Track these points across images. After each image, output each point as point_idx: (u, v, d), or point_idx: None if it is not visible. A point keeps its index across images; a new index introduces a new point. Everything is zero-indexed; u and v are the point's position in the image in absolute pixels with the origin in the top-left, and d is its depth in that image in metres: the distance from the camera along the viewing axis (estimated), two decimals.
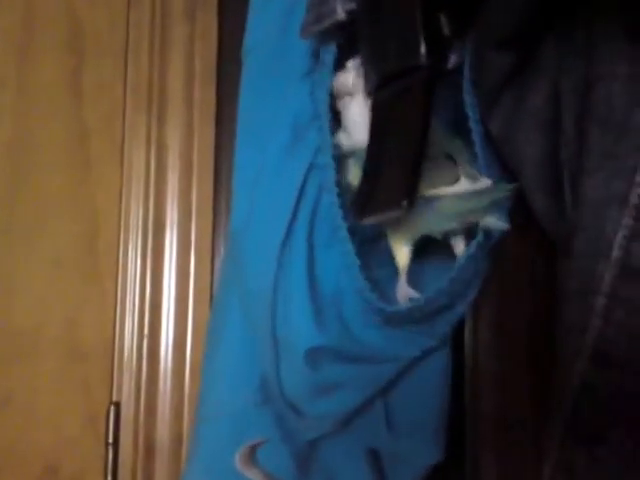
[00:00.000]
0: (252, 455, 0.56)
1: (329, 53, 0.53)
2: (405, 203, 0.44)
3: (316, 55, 0.56)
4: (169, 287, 0.87)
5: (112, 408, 0.84)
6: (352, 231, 0.53)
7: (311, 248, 0.55)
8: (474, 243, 0.54)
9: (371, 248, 0.55)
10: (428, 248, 0.57)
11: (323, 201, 0.55)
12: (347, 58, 0.55)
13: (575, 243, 0.41)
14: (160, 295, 0.87)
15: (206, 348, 0.61)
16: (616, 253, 0.39)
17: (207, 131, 0.88)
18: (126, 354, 0.85)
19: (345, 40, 0.53)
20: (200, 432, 0.60)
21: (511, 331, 0.60)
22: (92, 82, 0.89)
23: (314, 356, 0.52)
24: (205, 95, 0.89)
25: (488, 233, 0.56)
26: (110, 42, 0.89)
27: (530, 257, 0.61)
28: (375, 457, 0.60)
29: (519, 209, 0.58)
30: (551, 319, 0.53)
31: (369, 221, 0.48)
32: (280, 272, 0.54)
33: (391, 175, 0.46)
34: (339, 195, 0.53)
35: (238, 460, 0.55)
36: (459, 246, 0.56)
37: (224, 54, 0.90)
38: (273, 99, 0.59)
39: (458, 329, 0.62)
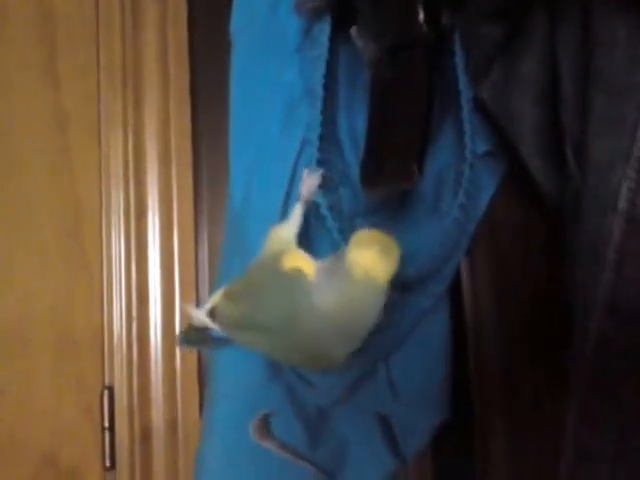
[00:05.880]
0: (266, 426, 0.57)
1: (322, 32, 0.54)
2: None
3: (307, 32, 0.57)
4: (154, 269, 0.87)
5: (106, 392, 0.85)
6: (332, 207, 0.55)
7: (306, 223, 0.56)
8: (457, 206, 0.56)
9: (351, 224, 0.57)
10: (418, 209, 0.59)
11: None
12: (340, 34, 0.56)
13: (582, 203, 0.43)
14: (146, 277, 0.87)
15: None
16: (622, 206, 0.41)
17: (183, 112, 0.88)
18: (116, 338, 0.85)
19: (338, 17, 0.54)
20: (215, 409, 0.61)
21: (511, 290, 0.62)
22: (67, 67, 0.87)
23: None
24: (179, 76, 0.88)
25: (473, 195, 0.58)
26: (82, 26, 0.88)
27: (525, 217, 0.62)
28: (385, 423, 0.62)
29: (512, 174, 0.60)
30: (551, 275, 0.55)
31: (379, 193, 0.49)
32: None
33: (397, 145, 0.47)
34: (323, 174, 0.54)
35: (253, 431, 0.57)
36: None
37: (196, 35, 0.90)
38: (265, 79, 0.59)
39: (457, 292, 0.65)
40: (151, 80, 0.88)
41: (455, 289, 0.64)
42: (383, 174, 0.47)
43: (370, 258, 0.44)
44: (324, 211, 0.54)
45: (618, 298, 0.41)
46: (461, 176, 0.57)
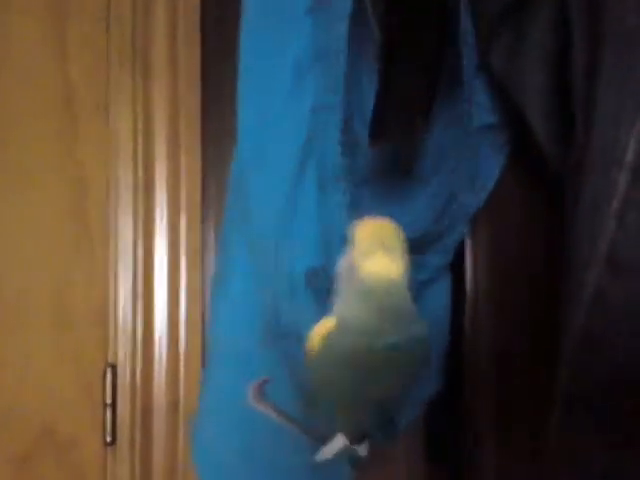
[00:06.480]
0: (262, 391, 0.57)
1: None
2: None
3: None
4: (161, 247, 0.86)
5: (109, 370, 0.84)
6: (349, 170, 0.54)
7: (321, 185, 0.56)
8: (452, 178, 0.56)
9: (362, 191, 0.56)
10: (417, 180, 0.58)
11: (329, 142, 0.55)
12: None
13: (586, 159, 0.43)
14: (152, 255, 0.86)
15: (213, 289, 0.61)
16: (629, 158, 0.40)
17: (193, 87, 0.87)
18: (121, 316, 0.85)
19: None
20: (209, 372, 0.61)
21: (511, 265, 0.61)
22: (75, 40, 0.87)
23: (314, 277, 0.53)
24: (189, 52, 0.87)
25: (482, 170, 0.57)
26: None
27: (527, 192, 0.62)
28: None
29: (516, 150, 0.59)
30: (551, 252, 0.54)
31: (384, 145, 0.48)
32: (288, 208, 0.55)
33: (406, 98, 0.47)
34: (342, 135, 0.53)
35: (250, 396, 0.56)
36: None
37: (207, 11, 0.89)
38: (274, 40, 0.59)
39: (458, 265, 0.64)
40: (161, 56, 0.87)
41: (458, 268, 0.63)
42: (390, 128, 0.47)
43: (378, 264, 0.45)
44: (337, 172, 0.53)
45: (618, 250, 0.40)
46: (461, 148, 0.56)
